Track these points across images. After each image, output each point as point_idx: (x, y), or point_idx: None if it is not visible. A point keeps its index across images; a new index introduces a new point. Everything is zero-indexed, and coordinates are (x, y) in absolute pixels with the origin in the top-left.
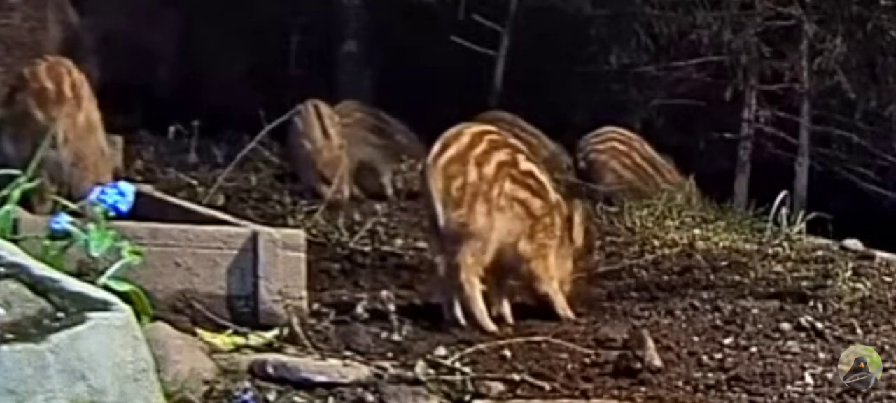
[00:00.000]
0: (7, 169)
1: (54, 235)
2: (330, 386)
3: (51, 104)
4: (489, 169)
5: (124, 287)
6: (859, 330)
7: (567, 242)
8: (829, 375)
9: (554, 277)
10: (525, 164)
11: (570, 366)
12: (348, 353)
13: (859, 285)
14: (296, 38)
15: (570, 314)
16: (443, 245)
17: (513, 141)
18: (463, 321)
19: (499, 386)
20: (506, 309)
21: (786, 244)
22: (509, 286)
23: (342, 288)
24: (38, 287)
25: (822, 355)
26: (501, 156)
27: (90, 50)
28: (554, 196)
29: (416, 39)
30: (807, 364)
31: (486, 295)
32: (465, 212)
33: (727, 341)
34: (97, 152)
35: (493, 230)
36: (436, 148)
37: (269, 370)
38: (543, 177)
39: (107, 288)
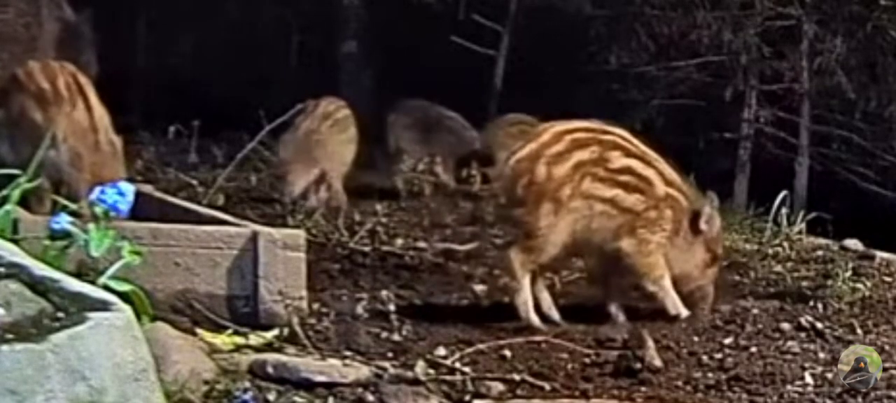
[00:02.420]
0: (3, 169)
1: (54, 235)
2: (330, 386)
3: (50, 105)
4: (562, 168)
5: (124, 287)
6: (859, 330)
7: (687, 236)
8: (829, 375)
9: (663, 274)
10: (621, 161)
11: (570, 366)
12: (348, 353)
13: (859, 285)
14: (296, 38)
15: (681, 310)
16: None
17: (608, 138)
18: (535, 320)
19: (499, 386)
20: (613, 308)
21: (786, 244)
22: (618, 284)
23: (342, 288)
24: (38, 287)
25: (822, 355)
26: (583, 154)
27: (87, 46)
28: (663, 189)
29: (416, 39)
30: (807, 364)
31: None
32: (526, 211)
33: (727, 341)
34: (104, 151)
35: (557, 230)
36: (517, 144)
37: (269, 370)
38: (648, 172)
39: (107, 288)
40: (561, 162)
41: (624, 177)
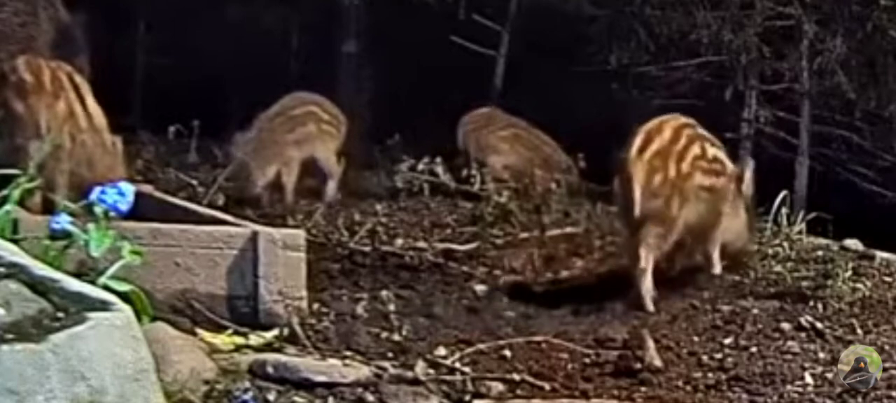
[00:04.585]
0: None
1: (54, 235)
2: (330, 386)
3: (29, 95)
4: (686, 164)
5: (124, 287)
6: (859, 330)
7: (737, 199)
8: (829, 375)
9: (718, 244)
10: (711, 151)
11: (570, 366)
12: (348, 353)
13: (859, 285)
14: (296, 38)
15: (650, 305)
16: (633, 230)
17: (701, 131)
18: (651, 308)
19: (499, 386)
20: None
21: (786, 244)
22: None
23: (342, 288)
24: (38, 287)
25: (822, 355)
26: (695, 150)
27: (80, 48)
28: (730, 166)
29: (416, 39)
30: (807, 364)
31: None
32: (661, 204)
33: (727, 341)
34: (108, 151)
35: (681, 221)
36: (639, 141)
37: (269, 370)
38: (722, 154)
39: (107, 288)
40: (684, 158)
41: (715, 166)
